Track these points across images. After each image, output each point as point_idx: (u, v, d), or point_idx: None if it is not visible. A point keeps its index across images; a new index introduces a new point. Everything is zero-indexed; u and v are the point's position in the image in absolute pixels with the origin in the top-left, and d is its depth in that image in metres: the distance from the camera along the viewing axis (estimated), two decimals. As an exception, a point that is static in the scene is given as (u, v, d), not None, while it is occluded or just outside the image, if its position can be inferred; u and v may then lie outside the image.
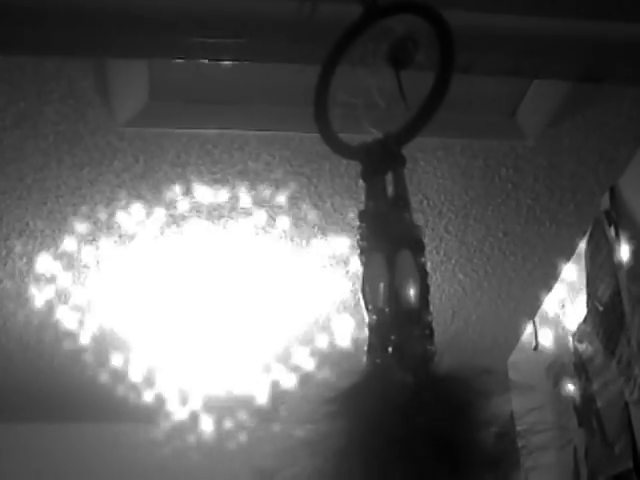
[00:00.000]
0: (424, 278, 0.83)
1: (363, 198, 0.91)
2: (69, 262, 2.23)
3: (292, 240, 2.20)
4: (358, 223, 0.87)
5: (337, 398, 0.76)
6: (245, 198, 2.06)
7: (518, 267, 2.33)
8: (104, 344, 2.57)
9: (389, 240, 0.84)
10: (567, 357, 2.13)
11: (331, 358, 2.53)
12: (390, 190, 0.88)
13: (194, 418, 2.86)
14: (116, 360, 2.63)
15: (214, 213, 2.09)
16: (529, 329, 2.44)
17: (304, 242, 2.20)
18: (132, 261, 2.24)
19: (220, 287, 2.35)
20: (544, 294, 2.33)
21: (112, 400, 2.81)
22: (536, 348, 2.38)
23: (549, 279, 2.28)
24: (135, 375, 2.70)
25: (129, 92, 1.75)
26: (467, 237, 2.21)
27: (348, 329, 2.45)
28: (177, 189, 2.00)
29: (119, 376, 2.69)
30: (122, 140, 1.85)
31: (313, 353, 2.55)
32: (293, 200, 2.07)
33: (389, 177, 0.88)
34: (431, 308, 0.84)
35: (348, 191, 2.02)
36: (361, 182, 0.91)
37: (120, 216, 2.07)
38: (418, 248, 0.84)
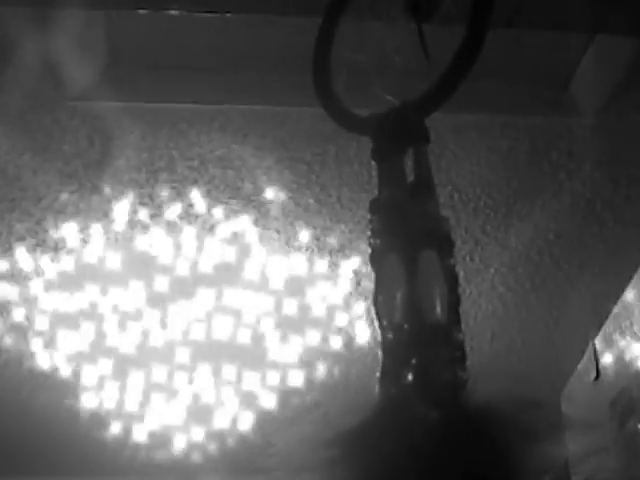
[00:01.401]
0: (453, 286, 0.83)
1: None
2: (9, 273, 2.22)
3: (287, 244, 2.20)
4: (369, 216, 0.87)
5: (341, 439, 0.76)
6: (228, 191, 2.06)
7: (574, 278, 2.33)
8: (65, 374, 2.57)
9: (409, 237, 0.83)
10: (636, 389, 2.14)
11: (334, 387, 2.52)
12: (410, 174, 0.88)
13: (185, 467, 2.88)
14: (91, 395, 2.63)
15: (189, 210, 2.09)
16: (588, 355, 2.43)
17: (302, 247, 2.20)
18: (87, 271, 2.24)
19: (196, 299, 2.35)
20: (607, 311, 2.33)
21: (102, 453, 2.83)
22: (597, 378, 2.38)
23: (613, 292, 2.28)
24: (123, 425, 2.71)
25: (82, 56, 1.75)
26: (509, 240, 2.22)
27: (357, 352, 2.45)
28: (142, 179, 2.00)
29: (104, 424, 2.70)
30: (73, 118, 1.86)
31: (312, 381, 2.55)
32: (289, 193, 2.07)
33: (409, 157, 0.88)
34: (462, 325, 0.83)
35: (358, 181, 2.02)
36: (374, 166, 0.91)
37: (71, 214, 2.07)
38: (445, 247, 0.84)
